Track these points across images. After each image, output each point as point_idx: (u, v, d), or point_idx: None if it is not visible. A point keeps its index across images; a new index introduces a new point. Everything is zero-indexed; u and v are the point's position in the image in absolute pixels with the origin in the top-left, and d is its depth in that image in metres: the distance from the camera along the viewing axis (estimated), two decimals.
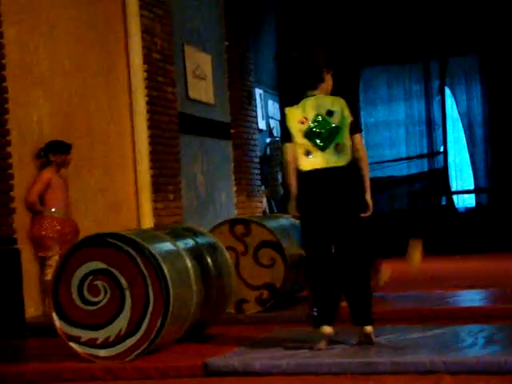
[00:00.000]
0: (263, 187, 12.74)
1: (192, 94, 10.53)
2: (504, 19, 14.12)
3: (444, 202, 15.12)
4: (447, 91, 15.13)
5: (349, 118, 5.15)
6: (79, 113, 8.16)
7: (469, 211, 15.11)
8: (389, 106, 15.55)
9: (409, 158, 15.28)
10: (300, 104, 5.23)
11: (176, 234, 5.81)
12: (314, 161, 5.15)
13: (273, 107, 14.67)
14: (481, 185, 15.12)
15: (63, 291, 5.27)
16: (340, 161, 5.13)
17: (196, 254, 5.69)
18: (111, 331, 5.18)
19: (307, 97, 5.24)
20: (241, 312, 7.03)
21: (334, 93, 5.35)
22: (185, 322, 5.43)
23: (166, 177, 9.35)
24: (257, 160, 12.53)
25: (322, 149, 5.14)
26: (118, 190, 8.76)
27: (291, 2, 15.08)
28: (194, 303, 5.44)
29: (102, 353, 5.17)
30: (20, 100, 7.23)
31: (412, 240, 7.19)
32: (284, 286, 7.04)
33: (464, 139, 15.15)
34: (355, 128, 5.20)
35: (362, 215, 5.20)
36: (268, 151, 13.74)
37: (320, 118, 5.16)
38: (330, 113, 5.16)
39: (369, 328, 5.14)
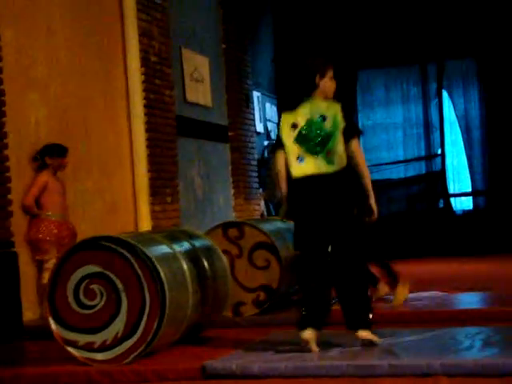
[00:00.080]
0: (261, 190, 12.74)
1: (190, 96, 10.53)
2: (501, 23, 14.14)
3: (441, 205, 15.13)
4: (445, 94, 15.14)
5: (341, 124, 5.07)
6: (76, 116, 8.16)
7: (466, 214, 15.12)
8: (386, 108, 15.56)
9: (406, 161, 15.29)
10: (295, 110, 5.22)
11: (172, 237, 5.81)
12: (305, 167, 5.13)
13: (270, 110, 14.68)
14: (478, 187, 15.13)
15: (59, 295, 5.27)
16: (331, 167, 5.08)
17: (192, 256, 5.69)
18: (108, 334, 5.18)
19: (303, 102, 5.22)
20: (238, 315, 7.03)
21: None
22: (181, 325, 5.43)
23: (163, 180, 9.35)
24: (254, 163, 12.53)
25: (314, 154, 5.10)
26: (115, 192, 8.75)
27: (289, 5, 15.09)
28: (190, 305, 5.44)
29: (100, 356, 5.17)
30: (17, 103, 7.23)
31: (403, 281, 7.22)
32: (280, 287, 7.04)
33: (461, 142, 15.16)
34: (350, 133, 5.11)
35: (368, 220, 5.19)
36: (266, 154, 13.74)
37: (312, 124, 5.12)
38: (322, 118, 5.11)
39: (362, 333, 5.11)
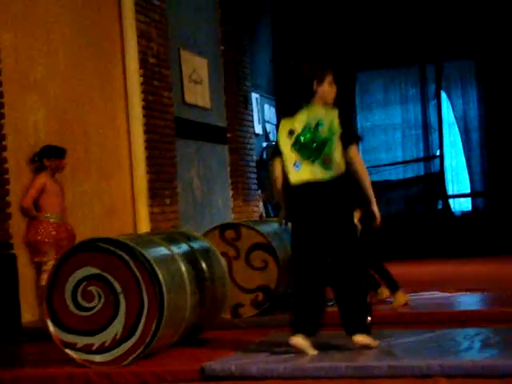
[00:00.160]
0: (260, 191, 12.74)
1: (188, 98, 10.53)
2: (500, 23, 14.16)
3: (440, 206, 15.14)
4: (443, 95, 15.16)
5: (338, 130, 5.02)
6: (75, 117, 8.16)
7: (465, 215, 15.14)
8: (385, 110, 15.58)
9: (405, 162, 15.30)
10: (293, 116, 5.19)
11: (170, 239, 5.81)
12: (301, 173, 5.10)
13: (269, 111, 14.68)
14: (477, 189, 15.14)
15: (57, 298, 5.26)
16: (327, 174, 5.04)
17: (190, 258, 5.69)
18: (107, 336, 5.17)
19: (302, 109, 5.19)
20: (237, 316, 7.02)
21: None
22: (180, 326, 5.43)
23: (162, 181, 9.35)
24: (253, 164, 12.53)
25: (310, 161, 5.07)
26: (114, 194, 8.75)
27: (287, 6, 15.10)
28: (188, 307, 5.44)
29: (98, 358, 5.17)
30: (16, 105, 7.23)
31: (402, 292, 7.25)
32: (278, 288, 7.04)
33: (460, 143, 15.18)
34: (348, 139, 5.05)
35: (373, 226, 5.17)
36: (264, 155, 13.75)
37: (309, 130, 5.08)
38: (319, 124, 5.07)
39: (359, 337, 5.08)
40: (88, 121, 8.40)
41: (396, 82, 15.54)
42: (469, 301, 7.63)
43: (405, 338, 5.42)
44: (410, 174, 15.32)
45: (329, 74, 5.21)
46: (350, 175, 5.10)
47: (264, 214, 12.65)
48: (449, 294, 7.94)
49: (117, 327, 5.16)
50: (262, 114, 14.17)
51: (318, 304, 5.14)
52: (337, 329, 5.30)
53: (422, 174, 15.25)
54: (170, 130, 9.67)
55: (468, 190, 15.25)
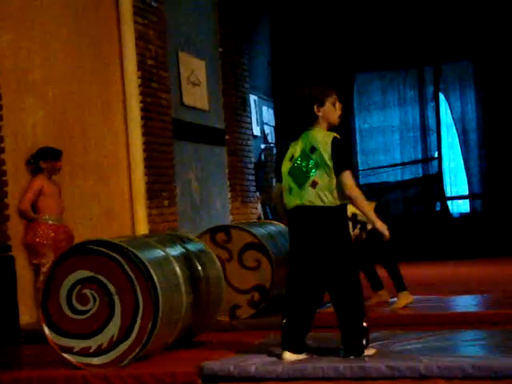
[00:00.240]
0: (258, 193, 12.75)
1: (186, 100, 10.54)
2: (497, 25, 14.18)
3: (438, 208, 15.15)
4: (441, 97, 15.18)
5: (328, 156, 4.96)
6: (73, 119, 8.16)
7: (463, 217, 15.15)
8: (383, 111, 15.59)
9: (403, 164, 15.32)
10: (297, 141, 5.19)
11: (165, 241, 5.81)
12: (292, 198, 5.10)
13: (267, 113, 14.69)
14: (475, 190, 15.15)
15: (52, 302, 5.26)
16: (317, 200, 5.00)
17: (185, 259, 5.70)
18: (103, 338, 5.17)
19: (304, 133, 5.16)
20: (235, 318, 7.03)
21: None
22: (176, 326, 5.44)
23: (160, 183, 9.35)
24: (251, 166, 12.54)
25: (299, 186, 5.06)
26: (112, 196, 8.75)
27: (286, 8, 15.11)
28: (184, 307, 5.44)
29: (96, 361, 5.17)
30: (14, 106, 7.23)
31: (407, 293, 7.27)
32: (274, 286, 7.05)
33: (458, 145, 15.19)
34: (340, 167, 4.98)
35: (384, 240, 5.16)
36: (262, 157, 13.76)
37: (304, 155, 5.07)
38: (312, 150, 5.05)
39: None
40: (86, 123, 8.40)
41: (394, 84, 15.55)
42: (467, 303, 7.63)
43: (403, 340, 5.43)
44: (408, 176, 15.33)
45: (330, 94, 5.16)
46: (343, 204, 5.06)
47: (262, 216, 12.67)
48: (446, 296, 7.94)
49: (113, 329, 5.17)
50: (260, 115, 14.18)
51: (309, 324, 5.14)
52: (334, 330, 5.30)
53: (420, 175, 15.26)
54: (168, 131, 9.68)
55: (466, 192, 15.26)
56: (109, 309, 5.18)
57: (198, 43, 11.12)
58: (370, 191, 12.48)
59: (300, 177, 5.08)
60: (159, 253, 5.49)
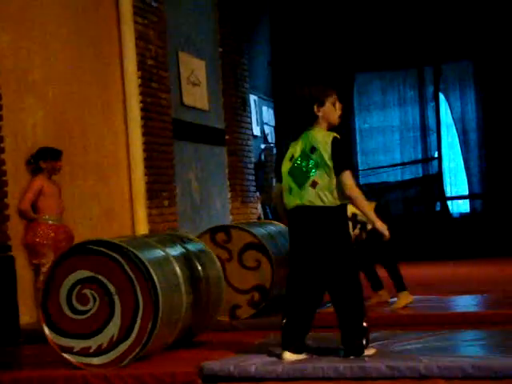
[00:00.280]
0: (258, 193, 12.75)
1: (186, 100, 10.54)
2: (497, 25, 14.17)
3: (438, 208, 15.15)
4: (441, 97, 15.18)
5: (328, 157, 4.96)
6: (73, 119, 8.16)
7: (463, 217, 15.15)
8: (383, 111, 15.59)
9: (403, 164, 15.32)
10: (297, 141, 5.19)
11: (165, 241, 5.82)
12: (292, 198, 5.10)
13: (267, 113, 14.70)
14: (475, 190, 15.15)
15: (52, 302, 5.26)
16: (317, 200, 4.99)
17: (185, 259, 5.70)
18: (103, 338, 5.18)
19: (304, 133, 5.15)
20: (235, 318, 7.03)
21: None
22: (176, 326, 5.44)
23: (160, 183, 9.35)
24: (251, 166, 12.54)
25: (299, 186, 5.06)
26: (112, 196, 8.75)
27: (286, 8, 15.11)
28: (184, 307, 5.44)
29: (96, 361, 5.17)
30: (14, 106, 7.23)
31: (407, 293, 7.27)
32: (274, 286, 7.05)
33: (458, 145, 15.19)
34: (340, 167, 4.98)
35: (384, 240, 5.16)
36: (262, 157, 13.76)
37: (304, 156, 5.07)
38: (312, 150, 5.04)
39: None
40: (86, 123, 8.40)
41: (394, 84, 15.55)
42: (467, 303, 7.63)
43: (403, 340, 5.43)
44: (408, 176, 15.33)
45: (330, 94, 5.15)
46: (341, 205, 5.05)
47: (262, 216, 12.67)
48: (446, 296, 7.94)
49: (113, 329, 5.17)
50: (260, 115, 14.18)
51: (309, 324, 5.14)
52: (334, 330, 5.30)
53: (420, 175, 15.26)
54: (168, 131, 9.68)
55: (466, 192, 15.26)
56: (109, 309, 5.18)
57: (198, 43, 11.12)
58: (370, 191, 12.47)
59: (300, 177, 5.08)
60: (159, 253, 5.49)
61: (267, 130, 14.53)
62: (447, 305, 7.46)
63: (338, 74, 14.47)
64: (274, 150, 14.17)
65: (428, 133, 15.17)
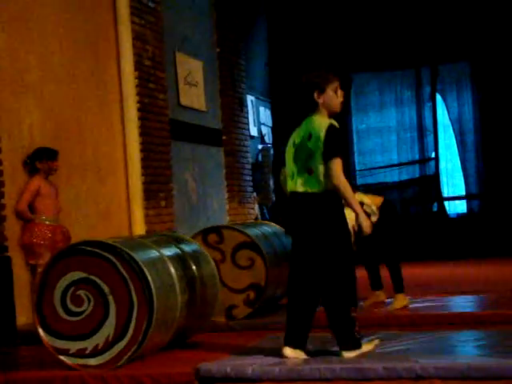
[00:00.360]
0: (255, 194, 12.75)
1: (183, 100, 10.53)
2: (494, 26, 14.19)
3: (435, 208, 15.16)
4: (438, 97, 15.19)
5: (321, 144, 4.96)
6: (70, 120, 8.15)
7: (460, 217, 15.15)
8: (380, 112, 15.59)
9: (400, 165, 15.32)
10: (299, 127, 5.21)
11: (159, 241, 5.82)
12: (291, 184, 5.12)
13: (264, 114, 14.70)
14: (472, 191, 15.16)
15: (47, 304, 5.26)
16: (309, 186, 5.01)
17: (179, 259, 5.71)
18: (99, 339, 5.17)
19: (305, 119, 5.17)
20: (232, 318, 7.03)
21: None
22: (171, 325, 5.43)
23: (157, 184, 9.34)
24: (248, 166, 12.53)
25: (298, 172, 5.07)
26: (109, 196, 8.74)
27: (283, 9, 15.11)
28: (178, 307, 5.44)
29: (92, 361, 5.16)
30: (11, 107, 7.22)
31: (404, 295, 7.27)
32: (268, 284, 7.06)
33: (455, 145, 15.20)
34: (328, 154, 4.95)
35: (362, 235, 5.15)
36: (260, 158, 13.76)
37: (303, 142, 5.08)
38: (310, 136, 5.04)
39: (346, 355, 5.02)
40: (83, 123, 8.39)
41: (391, 85, 15.56)
42: (464, 303, 7.63)
43: (400, 340, 5.42)
44: (405, 177, 15.34)
45: (332, 81, 5.13)
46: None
47: (259, 216, 12.67)
48: (443, 296, 7.94)
49: (108, 329, 5.16)
50: (257, 116, 14.18)
51: (310, 320, 5.13)
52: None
53: (418, 176, 15.27)
54: (165, 132, 9.67)
55: (463, 193, 15.28)
56: (103, 309, 5.17)
57: (196, 44, 11.12)
58: (367, 192, 12.49)
59: (299, 163, 5.08)
60: (153, 253, 5.49)
61: (264, 130, 14.53)
62: (445, 305, 7.45)
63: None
64: (271, 151, 14.18)
65: (425, 133, 15.18)
